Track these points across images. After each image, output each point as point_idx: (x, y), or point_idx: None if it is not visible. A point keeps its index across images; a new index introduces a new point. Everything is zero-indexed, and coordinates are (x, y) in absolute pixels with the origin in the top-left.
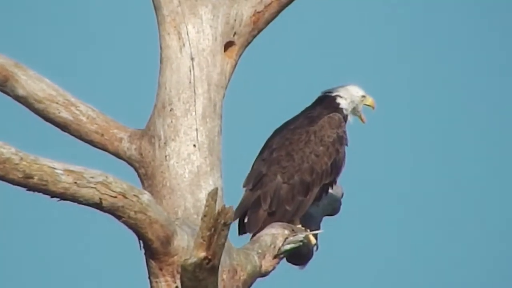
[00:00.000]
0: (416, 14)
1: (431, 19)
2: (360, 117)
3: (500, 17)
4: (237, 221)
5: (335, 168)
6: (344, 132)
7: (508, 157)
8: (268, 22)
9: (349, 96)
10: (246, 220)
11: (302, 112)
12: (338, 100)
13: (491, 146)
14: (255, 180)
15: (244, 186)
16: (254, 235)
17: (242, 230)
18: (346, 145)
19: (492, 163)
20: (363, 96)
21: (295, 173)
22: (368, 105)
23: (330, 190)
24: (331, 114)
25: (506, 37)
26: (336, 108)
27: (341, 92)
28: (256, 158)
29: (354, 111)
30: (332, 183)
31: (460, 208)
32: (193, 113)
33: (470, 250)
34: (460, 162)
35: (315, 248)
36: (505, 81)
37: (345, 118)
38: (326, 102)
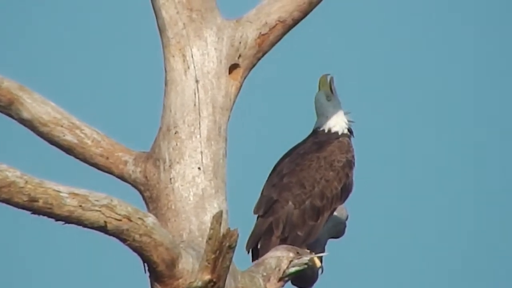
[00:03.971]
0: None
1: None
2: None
3: None
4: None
5: (345, 192)
6: (353, 156)
7: None
8: (273, 45)
9: (337, 120)
10: (259, 247)
11: (310, 136)
12: (333, 130)
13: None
14: (266, 206)
15: (255, 213)
16: (257, 257)
17: (255, 257)
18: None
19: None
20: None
21: (306, 198)
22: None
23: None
24: (340, 139)
25: None
26: (337, 136)
27: (328, 123)
28: (266, 183)
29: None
30: None
31: (471, 225)
32: (198, 136)
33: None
34: (465, 175)
35: (320, 270)
36: None
37: (349, 136)
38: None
